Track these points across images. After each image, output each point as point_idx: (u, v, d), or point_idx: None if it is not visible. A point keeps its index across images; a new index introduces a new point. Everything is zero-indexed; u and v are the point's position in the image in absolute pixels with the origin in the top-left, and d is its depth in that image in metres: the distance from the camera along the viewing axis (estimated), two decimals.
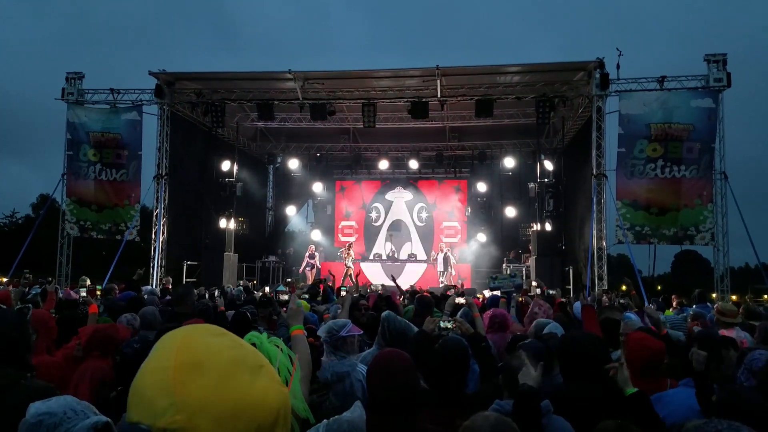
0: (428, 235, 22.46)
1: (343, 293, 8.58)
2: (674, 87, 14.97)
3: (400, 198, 22.92)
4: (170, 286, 12.25)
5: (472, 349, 3.54)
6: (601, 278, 14.86)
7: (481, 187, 21.91)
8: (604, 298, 10.13)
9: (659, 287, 32.17)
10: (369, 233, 22.99)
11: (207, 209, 19.26)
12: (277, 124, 20.26)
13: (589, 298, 7.83)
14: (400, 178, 23.08)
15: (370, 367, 2.64)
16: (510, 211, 21.40)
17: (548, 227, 18.25)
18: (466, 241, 22.02)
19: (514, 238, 21.40)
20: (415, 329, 4.17)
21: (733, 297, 15.53)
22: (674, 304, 10.44)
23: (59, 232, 17.64)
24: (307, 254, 19.78)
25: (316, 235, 22.61)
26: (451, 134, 21.54)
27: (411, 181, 22.93)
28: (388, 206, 23.00)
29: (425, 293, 7.98)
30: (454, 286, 13.68)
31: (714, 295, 14.35)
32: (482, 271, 20.22)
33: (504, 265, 19.55)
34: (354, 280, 14.34)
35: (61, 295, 8.56)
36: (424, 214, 22.86)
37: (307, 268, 19.39)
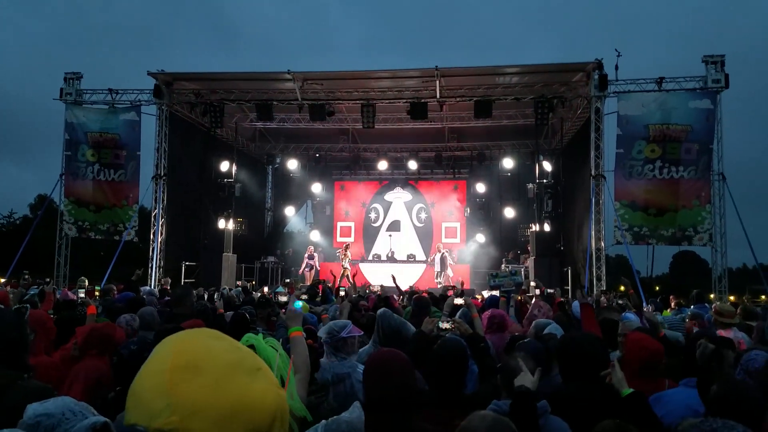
0: (427, 235, 22.47)
1: (342, 294, 8.60)
2: (672, 88, 14.99)
3: (399, 199, 22.92)
4: (169, 287, 12.23)
5: (471, 350, 3.54)
6: (599, 279, 14.88)
7: (480, 187, 21.93)
8: (603, 298, 10.14)
9: (657, 288, 32.20)
10: (368, 234, 22.99)
11: (206, 210, 19.24)
12: (276, 125, 20.25)
13: (588, 299, 7.83)
14: (399, 178, 23.07)
15: (366, 367, 2.64)
16: (509, 212, 21.41)
17: (547, 228, 18.27)
18: (465, 242, 22.03)
19: (513, 238, 21.42)
20: (411, 327, 4.17)
21: (731, 298, 15.56)
22: (672, 304, 10.45)
23: (57, 232, 17.62)
24: (306, 255, 19.77)
25: (315, 235, 22.61)
26: (450, 135, 21.56)
27: (410, 182, 22.93)
28: (387, 207, 23.00)
29: (423, 294, 7.98)
30: (453, 287, 13.69)
31: (712, 296, 14.37)
32: (481, 272, 20.21)
33: (503, 265, 19.55)
34: (351, 281, 14.33)
35: (58, 295, 8.55)
36: (423, 215, 22.86)
37: (306, 269, 19.39)
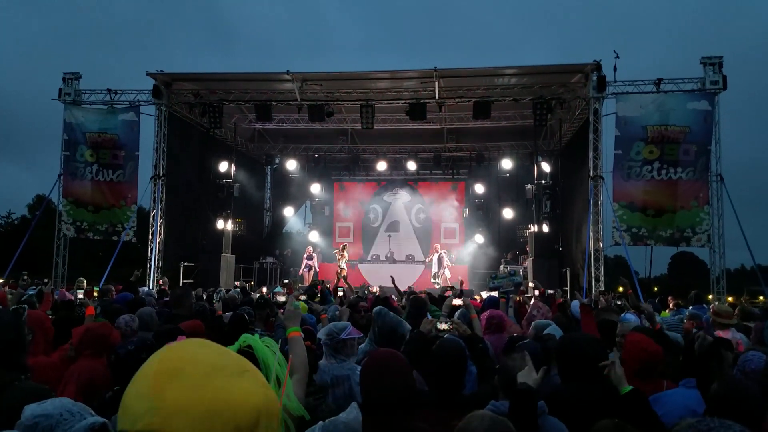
0: (426, 236, 22.48)
1: (340, 294, 8.59)
2: (670, 89, 15.01)
3: (398, 199, 22.93)
4: (167, 288, 12.22)
5: (470, 351, 3.54)
6: (598, 280, 14.89)
7: (479, 188, 21.95)
8: (601, 299, 10.14)
9: (656, 289, 32.24)
10: (367, 234, 23.00)
11: (204, 210, 19.23)
12: (274, 125, 20.25)
13: (586, 300, 7.84)
14: (398, 179, 23.09)
15: (363, 367, 2.64)
16: (507, 213, 21.42)
17: (545, 229, 18.28)
18: (463, 243, 22.04)
19: (512, 239, 21.43)
20: (407, 326, 4.16)
21: (729, 299, 15.59)
22: (671, 305, 10.46)
23: (55, 232, 17.59)
24: (305, 256, 19.77)
25: (314, 236, 22.60)
26: (449, 136, 21.57)
27: (409, 183, 22.94)
28: (386, 207, 23.01)
29: (420, 294, 7.98)
30: (452, 288, 13.68)
31: (710, 297, 14.38)
32: (480, 273, 20.24)
33: (501, 266, 19.58)
34: (347, 283, 14.32)
35: (56, 296, 8.54)
36: (421, 216, 22.87)
37: (305, 270, 19.39)
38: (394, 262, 20.93)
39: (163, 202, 17.03)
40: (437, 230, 22.58)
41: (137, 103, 17.20)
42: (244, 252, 19.91)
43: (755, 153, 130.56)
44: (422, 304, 5.96)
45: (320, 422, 1.99)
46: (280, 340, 2.06)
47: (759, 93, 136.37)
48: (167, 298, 8.02)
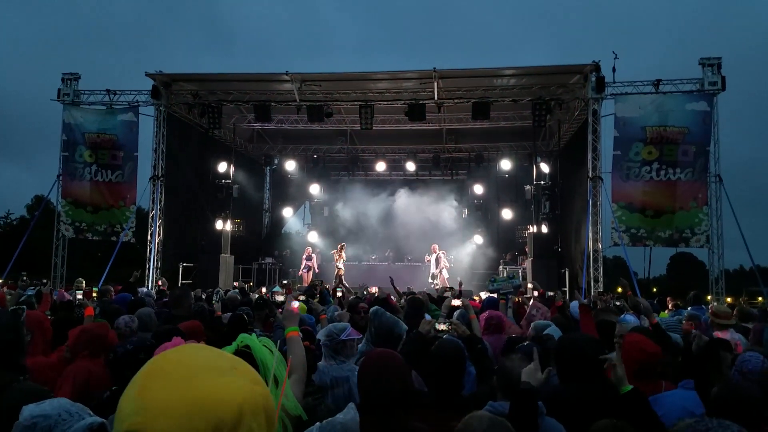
0: (425, 237, 22.41)
1: (339, 294, 8.59)
2: (669, 90, 15.02)
3: (397, 200, 22.88)
4: (166, 288, 12.21)
5: (468, 351, 3.54)
6: (596, 280, 14.90)
7: (478, 189, 21.95)
8: (599, 300, 10.13)
9: (655, 289, 32.26)
10: (366, 235, 22.96)
11: (203, 211, 19.22)
12: (274, 126, 20.25)
13: (585, 301, 7.84)
14: (397, 179, 23.08)
15: (361, 367, 2.63)
16: (506, 213, 21.44)
17: (544, 229, 18.29)
18: (462, 243, 22.02)
19: (511, 240, 21.44)
20: (404, 326, 4.15)
21: (728, 299, 15.59)
22: (670, 306, 10.46)
23: (54, 233, 17.58)
24: (304, 256, 19.76)
25: (313, 236, 22.59)
26: (448, 136, 21.59)
27: (408, 183, 22.91)
28: (385, 208, 22.96)
29: (418, 295, 7.97)
30: (451, 288, 13.67)
31: (709, 298, 14.39)
32: (479, 273, 20.23)
33: (500, 267, 19.58)
34: (344, 284, 14.29)
35: (55, 296, 8.53)
36: (420, 216, 22.82)
37: (304, 270, 19.38)
38: (393, 262, 20.93)
39: (162, 202, 17.03)
40: (436, 231, 22.52)
41: (136, 104, 17.19)
42: (243, 252, 19.90)
43: (754, 153, 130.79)
44: (420, 304, 5.96)
45: (317, 423, 1.99)
46: (278, 341, 2.06)
47: (758, 94, 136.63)
48: (166, 299, 8.01)
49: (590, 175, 15.22)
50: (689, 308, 8.41)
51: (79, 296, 6.85)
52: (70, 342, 3.81)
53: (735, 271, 43.05)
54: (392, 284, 10.57)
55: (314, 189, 22.83)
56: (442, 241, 20.93)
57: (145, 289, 11.58)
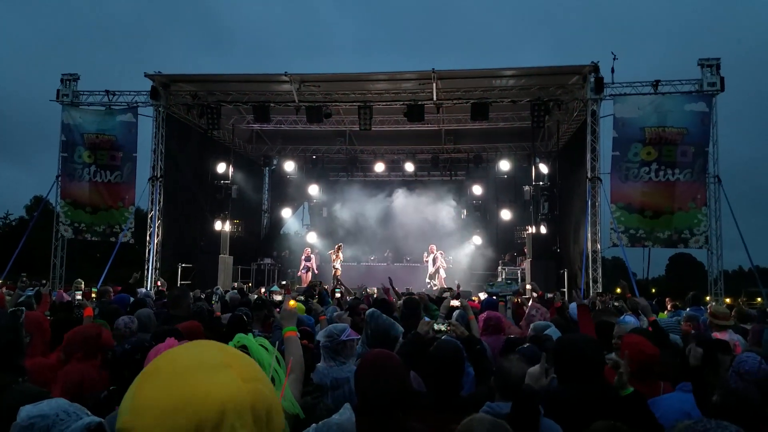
0: (424, 237, 22.41)
1: (338, 295, 8.59)
2: (668, 91, 15.04)
3: (396, 200, 22.89)
4: (165, 289, 12.20)
5: (467, 352, 3.54)
6: (595, 281, 14.91)
7: (477, 189, 21.97)
8: (598, 301, 10.14)
9: (654, 290, 32.28)
10: (365, 236, 22.96)
11: (202, 211, 19.22)
12: (272, 127, 20.25)
13: (585, 301, 7.84)
14: (395, 180, 23.08)
15: (358, 368, 2.63)
16: (505, 214, 21.45)
17: (543, 230, 18.32)
18: (461, 244, 22.02)
19: (510, 240, 21.44)
20: (400, 328, 4.15)
21: (727, 300, 15.58)
22: (668, 306, 10.47)
23: (53, 234, 17.57)
24: (303, 257, 19.76)
25: (312, 237, 22.59)
26: (447, 137, 21.60)
27: (407, 184, 22.91)
28: (383, 209, 22.96)
29: (414, 295, 7.97)
30: (450, 289, 13.67)
31: (708, 298, 14.39)
32: (478, 274, 20.24)
33: (499, 267, 19.59)
34: (341, 284, 14.26)
35: (54, 297, 8.53)
36: (419, 217, 22.82)
37: (303, 271, 19.37)
38: (392, 263, 20.93)
39: (161, 203, 17.02)
40: (435, 231, 22.53)
41: (135, 105, 17.19)
42: (242, 253, 19.90)
43: (753, 154, 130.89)
44: (415, 305, 5.96)
45: (313, 425, 1.99)
46: (278, 341, 2.06)
47: (757, 94, 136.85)
48: (165, 300, 8.01)
49: (589, 175, 15.23)
50: (688, 309, 8.43)
51: (78, 297, 6.85)
52: (63, 344, 3.79)
53: (734, 271, 43.05)
54: (391, 285, 10.56)
55: (313, 190, 22.83)
56: (440, 241, 20.94)
57: (143, 290, 11.57)
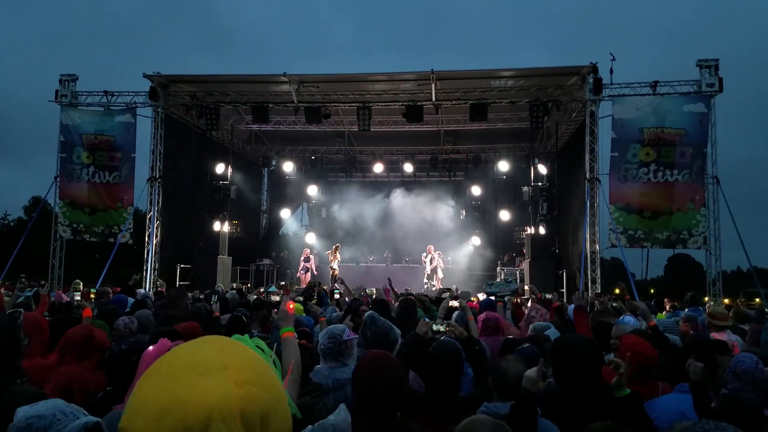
0: (423, 238, 22.42)
1: (336, 297, 8.58)
2: (667, 92, 15.05)
3: (395, 201, 22.90)
4: (164, 290, 12.19)
5: (466, 353, 3.54)
6: (594, 281, 14.92)
7: (476, 190, 21.99)
8: (597, 301, 10.15)
9: (652, 291, 32.31)
10: (363, 236, 22.96)
11: (201, 212, 19.21)
12: (271, 127, 20.25)
13: (582, 301, 7.84)
14: (394, 181, 23.09)
15: (356, 368, 2.63)
16: (504, 215, 21.46)
17: (542, 231, 18.33)
18: (460, 245, 22.04)
19: (509, 241, 21.46)
20: (397, 331, 4.15)
21: (726, 300, 15.60)
22: (667, 307, 10.49)
23: (52, 234, 17.54)
24: (302, 258, 19.75)
25: (311, 238, 22.59)
26: (446, 138, 21.62)
27: (406, 185, 22.92)
28: (382, 209, 22.97)
29: (411, 296, 7.98)
30: (449, 289, 13.67)
31: (706, 299, 14.41)
32: (476, 275, 20.25)
33: (498, 268, 19.59)
34: (336, 283, 14.24)
35: (53, 298, 8.53)
36: (418, 217, 22.83)
37: (302, 272, 19.36)
38: (391, 264, 20.93)
39: (160, 203, 17.01)
40: (434, 232, 22.54)
41: (134, 105, 17.19)
42: (241, 254, 19.89)
43: (752, 155, 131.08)
44: (411, 305, 5.98)
45: (309, 426, 1.99)
46: (275, 343, 2.06)
47: (755, 95, 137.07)
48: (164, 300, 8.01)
49: (588, 176, 15.24)
50: (686, 309, 8.44)
51: (78, 298, 6.85)
52: (58, 346, 3.76)
53: (732, 272, 43.09)
54: (390, 285, 10.56)
55: (312, 190, 22.84)
56: (439, 242, 20.95)
57: (142, 291, 11.57)
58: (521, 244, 19.63)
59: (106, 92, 17.31)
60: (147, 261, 16.61)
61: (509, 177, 21.49)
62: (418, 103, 16.73)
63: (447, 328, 4.16)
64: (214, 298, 10.58)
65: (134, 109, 17.13)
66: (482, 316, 5.53)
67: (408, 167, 21.95)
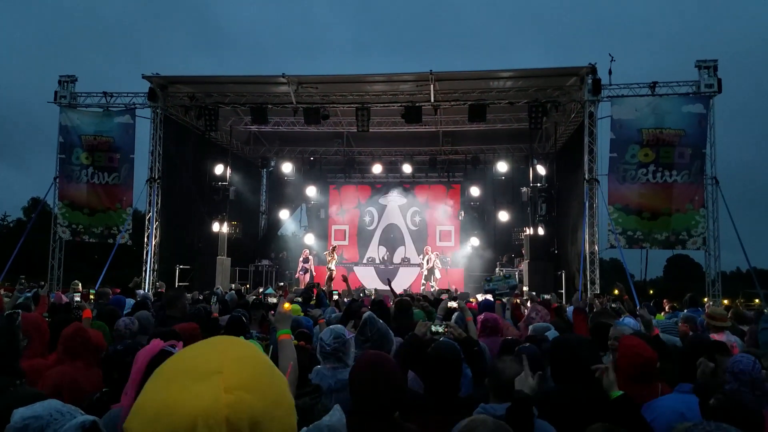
0: (421, 239, 22.48)
1: (335, 298, 8.58)
2: (666, 92, 15.07)
3: (394, 202, 22.94)
4: (164, 291, 12.19)
5: (465, 354, 3.54)
6: (593, 282, 14.92)
7: (474, 191, 21.99)
8: (596, 302, 10.16)
9: (651, 291, 32.31)
10: (362, 237, 23.00)
11: (200, 213, 19.21)
12: (270, 128, 20.25)
13: (580, 303, 7.86)
14: (393, 182, 23.09)
15: (353, 369, 2.63)
16: (503, 216, 21.46)
17: (541, 231, 18.33)
18: (459, 245, 22.06)
19: (507, 242, 21.46)
20: (393, 339, 4.14)
21: (725, 301, 15.62)
22: (666, 308, 10.51)
23: (51, 235, 17.54)
24: (301, 258, 19.75)
25: (310, 239, 22.58)
26: (445, 139, 21.63)
27: (404, 185, 22.94)
28: (381, 210, 23.01)
29: (406, 297, 7.97)
30: (448, 290, 13.69)
31: (706, 300, 14.41)
32: (475, 275, 20.24)
33: (497, 269, 19.59)
34: (330, 284, 14.18)
35: (52, 298, 8.53)
36: (417, 218, 22.88)
37: (301, 272, 19.35)
38: (390, 264, 20.94)
39: (159, 204, 17.01)
40: (433, 233, 22.59)
41: (133, 106, 17.19)
42: (240, 255, 19.89)
43: (751, 155, 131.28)
44: (407, 306, 5.99)
45: (304, 428, 1.98)
46: (272, 345, 2.06)
47: (754, 96, 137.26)
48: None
49: (586, 177, 15.24)
50: (685, 310, 8.45)
51: (77, 298, 6.85)
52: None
53: (732, 273, 43.09)
54: (389, 286, 10.57)
55: (311, 191, 22.83)
56: (438, 243, 20.96)
57: (142, 292, 11.57)
58: (520, 245, 19.63)
59: (105, 93, 17.32)
60: (146, 262, 16.60)
61: (508, 178, 21.49)
62: (417, 104, 16.73)
63: (446, 329, 4.16)
64: (214, 298, 10.57)
65: (133, 110, 17.13)
66: (481, 316, 5.54)
67: (407, 168, 21.94)
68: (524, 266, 17.44)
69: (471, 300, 12.08)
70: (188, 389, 0.88)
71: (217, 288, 13.37)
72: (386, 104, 17.33)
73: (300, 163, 23.20)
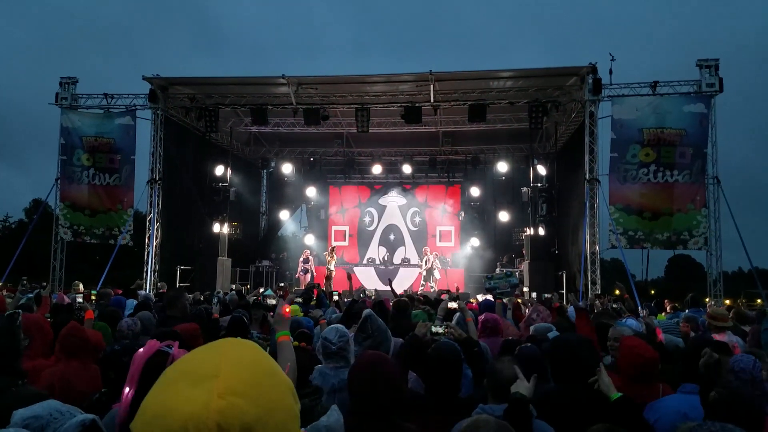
0: (422, 239, 22.46)
1: (335, 298, 8.57)
2: (666, 92, 15.05)
3: (394, 202, 22.92)
4: (165, 291, 12.18)
5: (465, 354, 3.54)
6: (594, 283, 14.91)
7: (475, 191, 21.97)
8: (597, 302, 10.16)
9: (653, 291, 32.30)
10: (362, 238, 22.99)
11: (200, 214, 19.21)
12: (270, 129, 20.25)
13: (581, 303, 7.85)
14: (393, 182, 23.08)
15: (352, 369, 2.63)
16: (503, 216, 21.43)
17: (541, 232, 18.31)
18: (459, 246, 22.04)
19: (508, 242, 21.44)
20: (391, 341, 4.13)
21: (727, 301, 15.58)
22: (667, 308, 10.50)
23: (53, 236, 17.58)
24: (301, 259, 19.74)
25: (310, 239, 22.58)
26: (445, 139, 21.63)
27: (404, 186, 22.93)
28: (381, 211, 22.99)
29: (403, 297, 7.97)
30: (448, 291, 13.66)
31: (707, 300, 14.39)
32: (476, 276, 20.23)
33: (497, 269, 19.57)
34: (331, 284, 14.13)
35: (54, 299, 8.52)
36: (417, 219, 22.86)
37: (302, 273, 19.34)
38: (390, 265, 20.93)
39: (160, 205, 17.03)
40: (433, 233, 22.57)
41: (133, 107, 17.22)
42: (240, 255, 19.89)
43: (752, 155, 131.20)
44: (405, 306, 5.99)
45: (302, 429, 1.98)
46: (269, 346, 2.05)
47: (755, 95, 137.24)
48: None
49: (587, 177, 15.23)
50: (687, 311, 8.44)
51: (79, 299, 6.84)
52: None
53: (733, 273, 43.08)
54: (390, 286, 10.55)
55: (311, 192, 22.83)
56: (438, 243, 20.94)
57: (144, 293, 11.57)
58: (520, 245, 19.61)
59: (105, 95, 17.36)
60: (147, 263, 16.62)
61: (508, 178, 21.47)
62: (417, 105, 16.73)
63: (446, 330, 4.15)
64: (215, 299, 10.57)
65: (134, 112, 17.17)
66: (482, 317, 5.53)
67: (407, 168, 21.93)
68: (525, 266, 17.42)
69: (471, 300, 12.08)
70: (183, 393, 0.87)
71: (218, 292, 13.37)
72: (386, 105, 17.33)
73: (300, 163, 23.20)
